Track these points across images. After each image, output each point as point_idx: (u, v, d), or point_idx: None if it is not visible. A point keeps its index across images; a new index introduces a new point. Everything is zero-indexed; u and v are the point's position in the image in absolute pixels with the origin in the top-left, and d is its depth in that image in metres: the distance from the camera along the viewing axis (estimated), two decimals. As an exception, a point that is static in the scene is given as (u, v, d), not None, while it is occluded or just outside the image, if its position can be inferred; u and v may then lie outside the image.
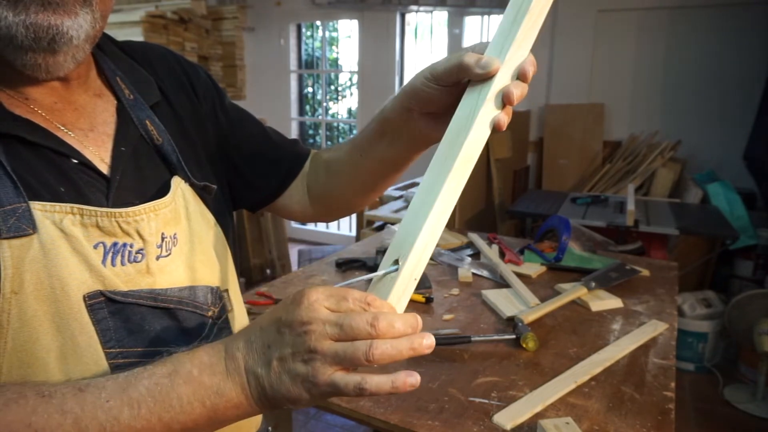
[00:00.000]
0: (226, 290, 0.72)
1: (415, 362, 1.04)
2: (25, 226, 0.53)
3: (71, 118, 0.62)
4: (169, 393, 0.49)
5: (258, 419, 0.82)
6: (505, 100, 0.53)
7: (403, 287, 0.51)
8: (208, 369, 0.50)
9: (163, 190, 0.65)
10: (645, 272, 1.58)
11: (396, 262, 0.52)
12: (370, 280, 0.54)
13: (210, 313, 0.67)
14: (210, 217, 0.72)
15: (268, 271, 4.07)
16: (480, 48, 0.56)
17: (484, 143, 0.54)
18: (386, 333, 0.46)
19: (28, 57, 0.53)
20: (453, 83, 0.58)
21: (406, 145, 0.70)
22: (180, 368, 0.50)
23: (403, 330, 0.46)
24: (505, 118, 0.54)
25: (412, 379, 0.46)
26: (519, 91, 0.53)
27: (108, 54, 0.69)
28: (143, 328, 0.60)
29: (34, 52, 0.53)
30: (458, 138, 0.53)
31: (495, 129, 0.54)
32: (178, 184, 0.67)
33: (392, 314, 0.47)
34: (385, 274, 0.52)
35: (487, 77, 0.54)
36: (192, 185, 0.69)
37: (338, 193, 0.84)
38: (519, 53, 0.54)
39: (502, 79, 0.54)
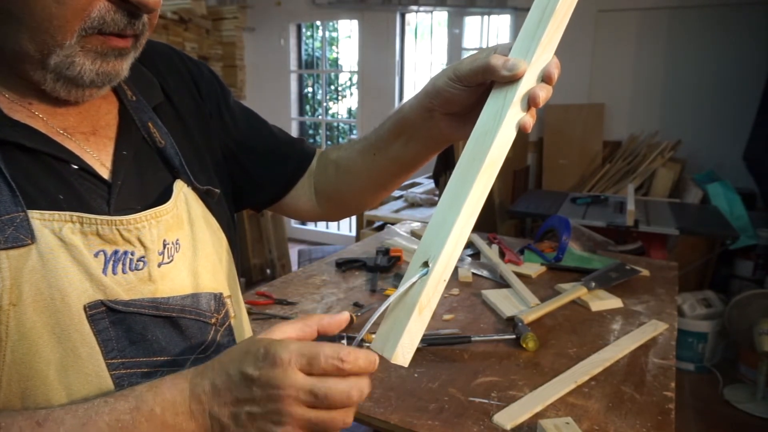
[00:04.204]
0: (229, 296, 0.71)
1: (415, 362, 1.04)
2: (23, 236, 0.52)
3: (73, 121, 0.61)
4: (130, 431, 0.48)
5: None
6: (530, 102, 0.54)
7: (433, 289, 0.51)
8: (170, 408, 0.49)
9: (165, 195, 0.64)
10: (645, 272, 1.58)
11: (425, 264, 0.52)
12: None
13: (213, 320, 0.66)
14: (213, 222, 0.71)
15: (268, 271, 4.07)
16: (503, 49, 0.56)
17: (510, 144, 0.55)
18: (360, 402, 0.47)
19: (79, 90, 0.57)
20: (477, 84, 0.58)
21: (424, 144, 0.70)
22: (142, 405, 0.49)
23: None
24: (530, 120, 0.55)
25: None
26: (544, 93, 0.54)
27: None
28: (145, 337, 0.59)
29: (86, 88, 0.57)
30: (485, 140, 0.54)
31: (521, 130, 0.55)
32: (180, 188, 0.66)
33: (367, 383, 0.48)
34: (417, 279, 0.52)
35: (513, 79, 0.54)
36: (195, 189, 0.68)
37: (349, 192, 0.84)
38: (544, 55, 0.55)
39: (528, 81, 0.54)
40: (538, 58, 0.54)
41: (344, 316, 0.55)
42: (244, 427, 0.48)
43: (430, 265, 0.51)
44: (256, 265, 3.98)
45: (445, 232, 0.52)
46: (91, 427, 0.48)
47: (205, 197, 0.70)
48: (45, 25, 0.52)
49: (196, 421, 0.49)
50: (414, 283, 0.52)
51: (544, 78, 0.55)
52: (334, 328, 0.54)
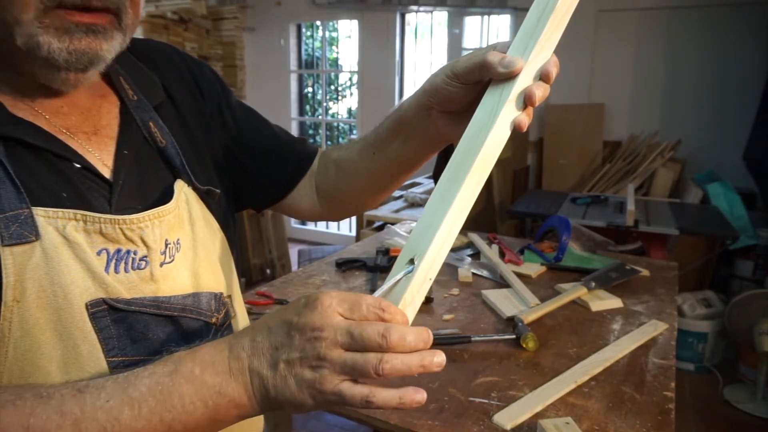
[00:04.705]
0: (229, 296, 0.71)
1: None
2: (28, 233, 0.52)
3: (75, 121, 0.61)
4: (171, 392, 0.48)
5: (260, 423, 0.81)
6: (527, 101, 0.53)
7: (418, 287, 0.50)
8: (210, 368, 0.49)
9: (166, 195, 0.64)
10: (645, 272, 1.58)
11: (411, 261, 0.51)
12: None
13: (214, 320, 0.66)
14: (213, 222, 0.71)
15: (268, 271, 4.07)
16: (502, 46, 0.56)
17: (504, 143, 0.53)
18: (397, 346, 0.45)
19: (61, 75, 0.56)
20: (474, 81, 0.57)
21: (422, 144, 0.69)
22: (181, 367, 0.49)
23: (415, 344, 0.46)
24: (526, 119, 0.53)
25: (419, 395, 0.47)
26: (541, 92, 0.53)
27: None
28: (146, 336, 0.59)
29: (67, 71, 0.55)
30: (478, 138, 0.53)
31: (515, 130, 0.54)
32: (181, 188, 0.66)
33: (404, 327, 0.46)
34: (402, 276, 0.51)
35: (509, 77, 0.53)
36: (195, 189, 0.68)
37: (349, 192, 0.83)
38: (543, 54, 0.54)
39: (525, 79, 0.53)
40: (536, 57, 0.53)
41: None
42: (282, 375, 0.47)
43: (416, 263, 0.50)
44: (256, 265, 3.98)
45: (432, 230, 0.51)
46: (132, 390, 0.47)
47: (206, 197, 0.70)
48: (2, 2, 0.51)
49: (236, 379, 0.48)
50: (399, 281, 0.51)
51: (542, 76, 0.54)
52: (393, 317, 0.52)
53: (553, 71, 0.53)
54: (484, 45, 4.51)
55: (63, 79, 0.56)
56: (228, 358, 0.49)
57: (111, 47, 0.57)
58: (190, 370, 0.49)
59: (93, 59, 0.55)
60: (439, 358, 0.47)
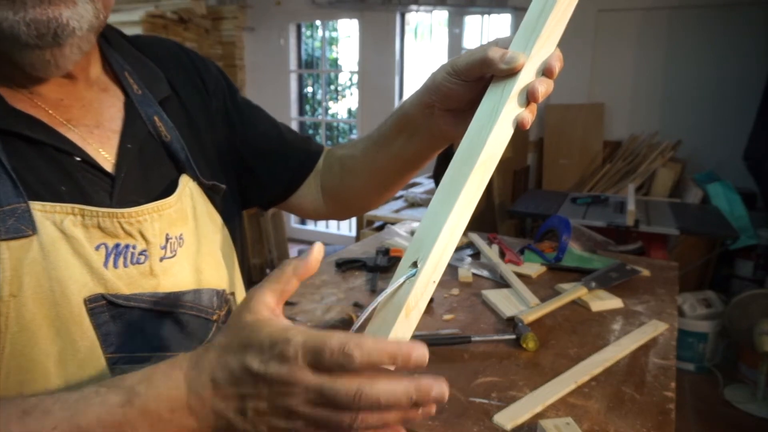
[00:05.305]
0: (233, 293, 0.71)
1: (415, 362, 1.04)
2: (25, 227, 0.52)
3: (77, 114, 0.60)
4: (123, 426, 0.44)
5: None
6: (529, 97, 0.52)
7: (421, 291, 0.48)
8: (166, 403, 0.45)
9: (169, 189, 0.64)
10: (645, 272, 1.58)
11: (414, 264, 0.49)
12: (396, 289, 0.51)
13: (215, 317, 0.66)
14: (217, 218, 0.70)
15: (268, 271, 4.07)
16: (504, 42, 0.55)
17: (507, 142, 0.52)
18: (371, 407, 0.41)
19: (35, 55, 0.53)
20: (476, 78, 0.56)
21: (425, 142, 0.68)
22: (134, 399, 0.45)
23: (396, 401, 0.41)
24: (529, 116, 0.52)
25: None
26: (544, 87, 0.51)
27: (116, 48, 0.68)
28: (145, 332, 0.59)
29: (41, 49, 0.52)
30: (480, 136, 0.51)
31: (519, 127, 0.52)
32: (185, 182, 0.66)
33: (382, 382, 0.41)
34: (404, 281, 0.49)
35: (511, 73, 0.52)
36: (200, 184, 0.68)
37: (353, 191, 0.82)
38: (545, 49, 0.52)
39: (527, 75, 0.52)
40: (538, 52, 0.52)
41: (316, 250, 0.48)
42: (253, 422, 0.44)
43: (419, 266, 0.49)
44: (256, 265, 3.98)
45: (435, 232, 0.49)
46: (81, 419, 0.44)
47: (210, 193, 0.70)
48: None
49: (195, 416, 0.45)
50: (401, 285, 0.49)
51: (545, 71, 0.52)
52: (311, 268, 0.48)
53: (557, 66, 0.52)
54: (484, 45, 4.53)
55: (40, 59, 0.53)
56: (186, 395, 0.45)
57: (75, 14, 0.53)
58: (143, 403, 0.45)
59: (57, 29, 0.52)
60: (426, 409, 0.43)
